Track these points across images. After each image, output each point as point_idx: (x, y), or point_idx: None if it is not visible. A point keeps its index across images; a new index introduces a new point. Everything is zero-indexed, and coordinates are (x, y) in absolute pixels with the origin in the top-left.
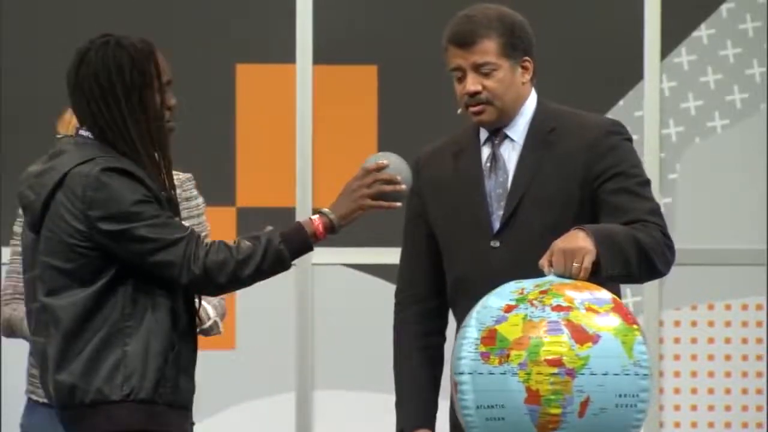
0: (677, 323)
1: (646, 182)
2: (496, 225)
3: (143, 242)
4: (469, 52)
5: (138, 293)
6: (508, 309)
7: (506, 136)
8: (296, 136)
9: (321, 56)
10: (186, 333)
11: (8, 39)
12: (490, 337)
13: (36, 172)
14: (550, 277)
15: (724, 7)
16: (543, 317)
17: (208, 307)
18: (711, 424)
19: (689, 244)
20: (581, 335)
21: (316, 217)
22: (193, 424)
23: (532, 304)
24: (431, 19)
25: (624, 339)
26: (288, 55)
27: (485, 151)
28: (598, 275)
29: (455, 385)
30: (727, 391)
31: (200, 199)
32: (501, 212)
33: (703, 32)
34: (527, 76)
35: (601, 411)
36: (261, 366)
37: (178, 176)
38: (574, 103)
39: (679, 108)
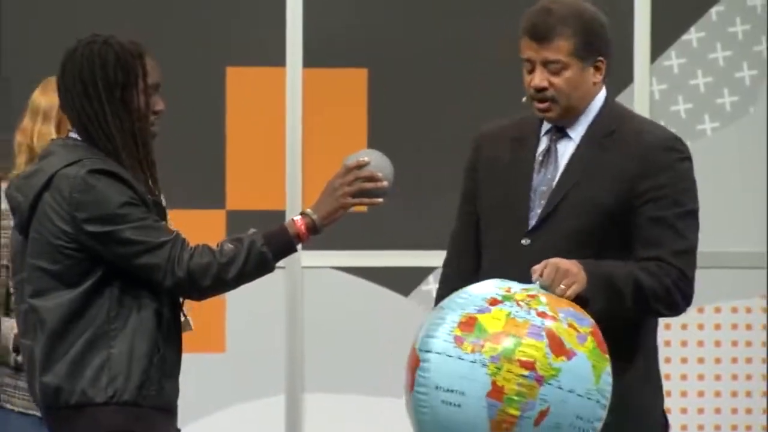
0: (667, 326)
1: (690, 212)
2: (532, 222)
3: (128, 245)
4: (542, 47)
5: (124, 296)
6: (494, 302)
7: (565, 133)
8: (286, 139)
9: (311, 59)
10: (171, 336)
11: (8, 39)
12: (468, 324)
13: (24, 174)
14: (537, 286)
15: (713, 10)
16: (527, 319)
17: None
18: (701, 427)
19: None
20: (558, 347)
21: (298, 217)
22: (178, 431)
23: (519, 305)
24: (421, 22)
25: (595, 364)
26: (278, 59)
27: (543, 143)
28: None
29: (417, 361)
30: (717, 394)
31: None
32: (539, 210)
33: (692, 35)
34: (599, 76)
35: (556, 426)
36: (251, 369)
37: None
38: None
39: (669, 111)
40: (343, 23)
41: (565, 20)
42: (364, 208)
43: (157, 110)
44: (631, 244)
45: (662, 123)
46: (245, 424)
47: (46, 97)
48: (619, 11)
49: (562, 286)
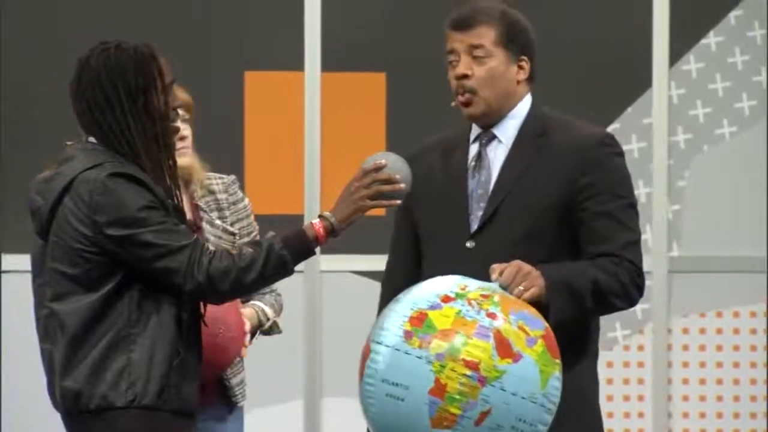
0: (686, 330)
1: (630, 205)
2: (474, 226)
3: (148, 248)
4: (465, 35)
5: (144, 300)
6: (446, 300)
7: (494, 136)
8: (305, 143)
9: (329, 64)
10: (191, 340)
11: (9, 40)
12: (418, 319)
13: (45, 178)
14: (495, 285)
15: (732, 15)
16: (476, 319)
17: (266, 307)
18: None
19: (698, 251)
20: (505, 349)
21: (316, 220)
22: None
23: (470, 304)
24: (439, 26)
25: (543, 368)
26: (297, 63)
27: (473, 150)
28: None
29: (369, 351)
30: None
31: (246, 200)
32: (480, 213)
33: (711, 40)
34: (522, 76)
35: (497, 427)
36: (269, 373)
37: (222, 179)
38: (583, 110)
39: (688, 115)
40: (361, 27)
41: (488, 12)
42: (382, 211)
43: (175, 106)
44: (577, 240)
45: (680, 128)
46: (264, 429)
47: None
48: (638, 15)
49: (520, 288)
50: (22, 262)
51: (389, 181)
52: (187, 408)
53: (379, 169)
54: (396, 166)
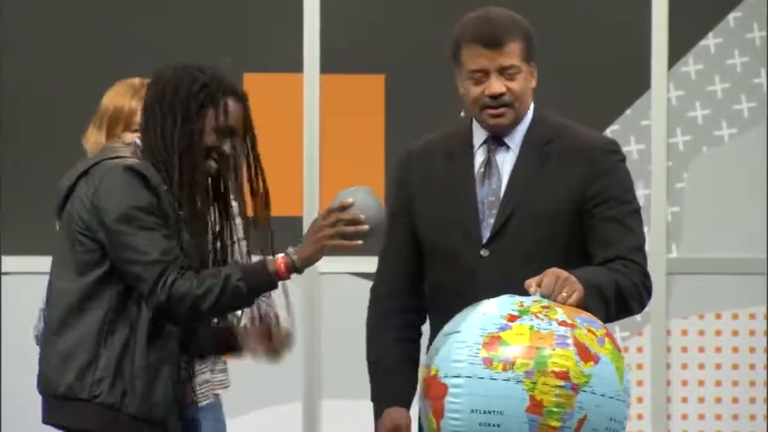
0: (685, 332)
1: (636, 211)
2: (486, 234)
3: (129, 250)
4: (497, 54)
5: (123, 304)
6: (512, 318)
7: (503, 143)
8: (304, 145)
9: (328, 65)
10: (167, 349)
11: (9, 40)
12: (492, 344)
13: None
14: (538, 296)
15: (731, 16)
16: (551, 330)
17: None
18: None
19: (697, 253)
20: (585, 353)
21: (280, 256)
22: None
23: (537, 317)
24: (438, 28)
25: (617, 365)
26: (295, 65)
27: (479, 157)
28: None
29: (443, 387)
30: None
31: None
32: (492, 221)
33: (710, 41)
34: (534, 82)
35: (594, 431)
36: (268, 375)
37: None
38: (581, 112)
39: (687, 117)
40: (360, 29)
41: (511, 26)
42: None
43: (212, 146)
44: (586, 245)
45: (679, 129)
46: (263, 431)
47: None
48: (637, 17)
49: (563, 294)
50: (23, 264)
51: (353, 222)
52: (152, 415)
53: (345, 207)
54: (364, 204)
